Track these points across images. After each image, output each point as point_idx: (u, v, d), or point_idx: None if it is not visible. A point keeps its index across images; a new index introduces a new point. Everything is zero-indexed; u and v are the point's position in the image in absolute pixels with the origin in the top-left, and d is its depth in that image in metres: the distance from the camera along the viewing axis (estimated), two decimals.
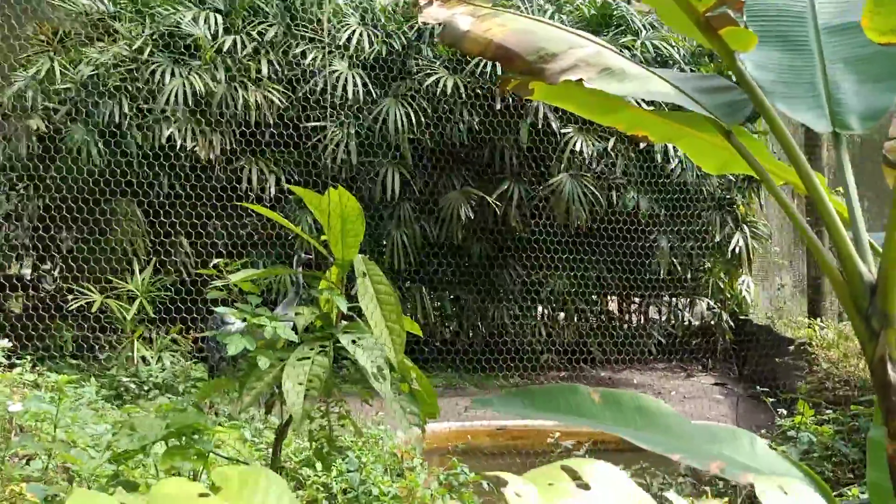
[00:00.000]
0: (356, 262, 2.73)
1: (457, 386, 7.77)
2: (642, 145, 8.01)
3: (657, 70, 1.96)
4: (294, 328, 2.76)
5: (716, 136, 2.22)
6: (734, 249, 8.29)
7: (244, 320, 2.48)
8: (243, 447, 2.21)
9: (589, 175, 7.98)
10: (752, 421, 6.20)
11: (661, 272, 8.21)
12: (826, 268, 1.68)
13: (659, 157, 8.08)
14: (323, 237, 2.92)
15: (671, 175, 8.22)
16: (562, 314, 8.41)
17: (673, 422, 1.79)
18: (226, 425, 3.67)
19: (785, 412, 4.80)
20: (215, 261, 2.94)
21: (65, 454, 2.48)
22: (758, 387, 5.84)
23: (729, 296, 8.74)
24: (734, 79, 2.04)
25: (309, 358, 2.54)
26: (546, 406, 1.79)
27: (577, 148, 7.83)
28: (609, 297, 9.02)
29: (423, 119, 7.84)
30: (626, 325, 8.94)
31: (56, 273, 8.97)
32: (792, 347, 6.73)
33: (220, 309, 2.63)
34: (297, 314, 2.60)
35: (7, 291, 8.61)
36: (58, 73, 8.09)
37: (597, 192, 7.93)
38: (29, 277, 9.23)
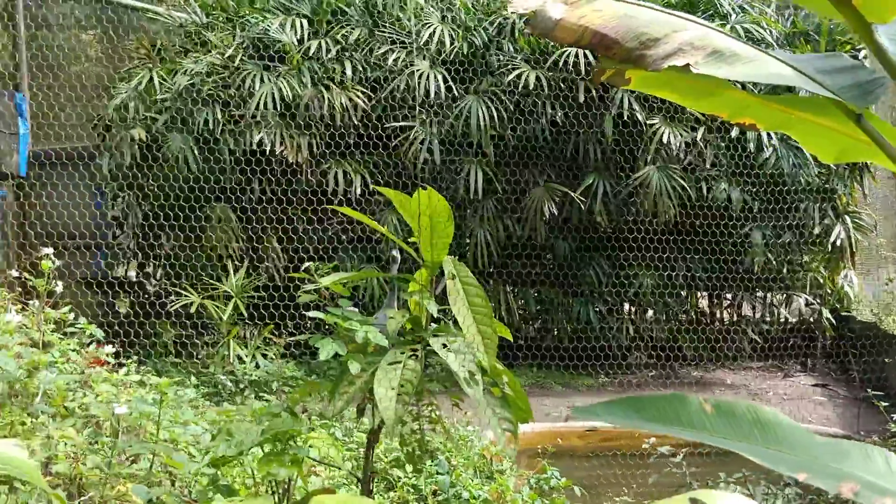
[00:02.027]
0: (446, 264, 2.72)
1: (543, 385, 7.69)
2: (734, 133, 7.71)
3: (772, 51, 1.86)
4: (385, 332, 2.77)
5: (836, 121, 2.09)
6: (835, 242, 7.87)
7: (335, 324, 2.51)
8: (336, 452, 2.23)
9: (677, 167, 7.74)
10: (862, 426, 5.89)
11: (756, 267, 7.88)
12: None
13: (752, 146, 7.76)
14: (411, 238, 2.93)
15: (765, 165, 7.88)
16: (650, 312, 8.19)
17: (794, 436, 1.68)
18: (318, 427, 3.75)
19: None
20: (306, 264, 2.99)
21: (168, 458, 2.56)
22: (869, 390, 5.52)
23: (830, 291, 8.31)
24: (864, 55, 1.93)
25: (400, 362, 2.54)
26: (654, 416, 1.72)
27: (665, 139, 7.61)
28: (699, 294, 8.73)
29: (505, 115, 7.80)
30: (717, 323, 8.63)
31: (158, 275, 9.40)
32: None
33: (311, 313, 2.66)
34: (389, 318, 2.61)
35: (114, 292, 9.07)
36: (156, 84, 8.48)
37: (686, 185, 7.69)
38: (134, 279, 9.70)
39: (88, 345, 5.30)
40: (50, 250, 3.59)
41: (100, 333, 5.11)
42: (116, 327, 9.05)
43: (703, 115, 7.89)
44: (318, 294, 2.80)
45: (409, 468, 4.29)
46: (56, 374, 3.22)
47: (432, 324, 2.92)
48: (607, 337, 8.02)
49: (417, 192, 2.59)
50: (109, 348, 5.05)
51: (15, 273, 4.28)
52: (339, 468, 3.04)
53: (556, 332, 8.13)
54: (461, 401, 3.15)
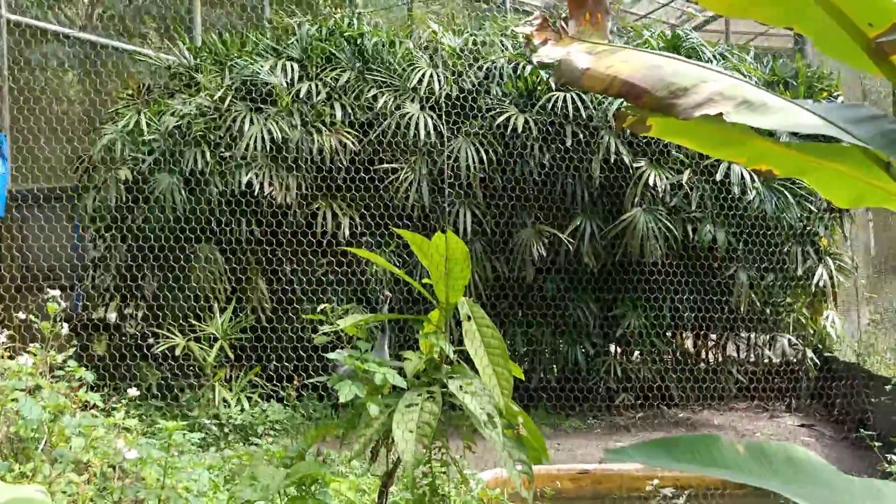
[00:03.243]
0: (461, 305, 2.74)
1: None
2: (718, 176, 7.88)
3: (799, 101, 1.93)
4: (402, 373, 2.77)
5: (853, 168, 2.17)
6: (818, 283, 8.02)
7: (358, 367, 2.50)
8: (354, 495, 2.20)
9: (663, 209, 7.88)
10: (851, 468, 5.93)
11: (741, 308, 7.98)
12: None
13: (736, 189, 7.93)
14: (425, 280, 2.94)
15: (749, 207, 8.05)
16: (637, 352, 8.23)
17: (827, 475, 1.71)
18: (337, 473, 3.69)
19: (895, 458, 4.54)
20: (322, 306, 3.00)
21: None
22: (861, 430, 5.57)
23: (812, 332, 8.44)
24: (840, 100, 1.99)
25: (417, 404, 2.54)
26: (688, 457, 1.73)
27: (651, 181, 7.76)
28: (685, 335, 8.81)
29: (494, 157, 7.91)
30: (703, 363, 8.70)
31: (139, 316, 9.26)
32: (889, 387, 6.43)
33: (331, 354, 2.65)
34: (405, 359, 2.61)
35: (89, 334, 8.90)
36: (144, 125, 8.47)
37: (671, 227, 7.81)
38: (114, 321, 9.55)
39: (79, 388, 5.20)
40: (57, 292, 3.53)
41: (89, 376, 5.02)
42: (93, 369, 8.83)
43: (688, 157, 8.07)
44: (333, 334, 2.80)
45: None
46: (75, 422, 3.14)
47: (446, 365, 2.92)
48: (595, 378, 8.04)
49: (436, 235, 2.61)
50: (96, 395, 4.96)
51: (22, 315, 4.19)
52: None
53: (543, 373, 8.13)
54: (474, 443, 3.14)
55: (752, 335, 8.63)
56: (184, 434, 4.48)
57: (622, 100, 2.08)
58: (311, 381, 3.18)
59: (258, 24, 10.90)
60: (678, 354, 8.64)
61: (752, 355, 8.60)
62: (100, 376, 8.20)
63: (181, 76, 8.94)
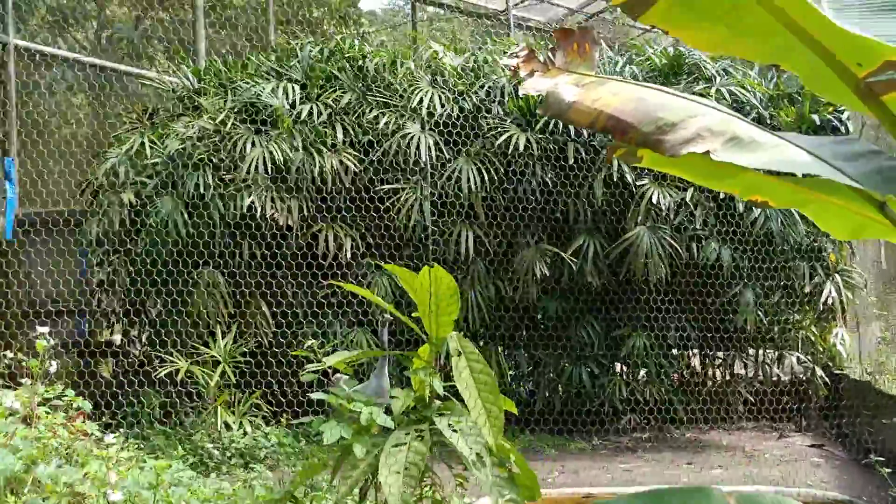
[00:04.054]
0: (450, 341, 2.68)
1: (535, 448, 7.56)
2: (722, 194, 7.80)
3: (789, 135, 1.87)
4: (388, 411, 2.71)
5: (850, 202, 2.11)
6: (825, 300, 7.92)
7: (339, 405, 2.45)
8: None
9: (667, 227, 7.81)
10: (862, 491, 5.80)
11: (748, 326, 7.88)
12: None
13: (741, 207, 7.86)
14: (414, 314, 2.88)
15: (754, 225, 7.97)
16: (643, 372, 8.14)
17: None
18: None
19: None
20: (309, 342, 2.95)
21: None
22: (871, 455, 5.46)
23: (821, 349, 8.32)
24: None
25: (405, 444, 2.48)
26: None
27: (654, 199, 7.69)
28: (691, 353, 8.70)
29: (495, 177, 7.87)
30: (710, 383, 8.59)
31: (144, 339, 9.25)
32: None
33: (314, 395, 2.60)
34: (392, 397, 2.56)
35: (96, 358, 8.89)
36: (147, 148, 8.48)
37: (676, 245, 7.74)
38: (118, 343, 9.55)
39: (76, 416, 5.16)
40: (46, 329, 3.50)
41: (87, 406, 4.99)
42: (98, 396, 8.85)
43: None
44: (320, 371, 2.75)
45: None
46: (55, 467, 3.09)
47: (437, 401, 2.86)
48: (600, 399, 7.95)
49: (423, 270, 2.56)
50: (94, 425, 4.93)
51: (10, 354, 4.16)
52: None
53: (547, 394, 8.04)
54: (466, 480, 3.07)
55: (760, 353, 8.52)
56: (173, 465, 4.44)
57: None
58: (298, 421, 3.11)
59: (263, 46, 10.95)
60: (685, 374, 8.54)
61: (760, 374, 8.48)
62: (106, 401, 8.21)
63: (185, 99, 8.96)
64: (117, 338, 9.75)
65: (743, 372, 8.65)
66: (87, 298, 9.32)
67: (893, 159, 1.71)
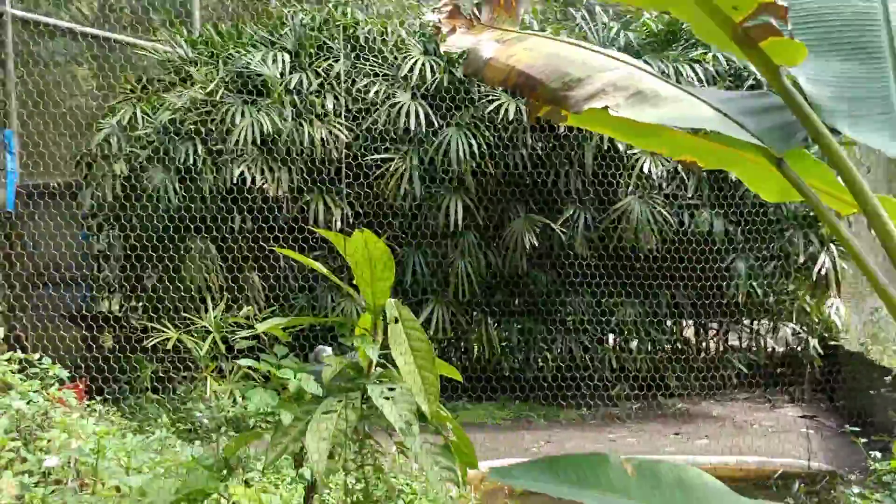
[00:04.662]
0: (388, 308, 2.64)
1: (525, 419, 7.57)
2: None
3: (701, 91, 1.80)
4: (319, 379, 2.68)
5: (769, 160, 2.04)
6: (820, 271, 7.80)
7: (268, 372, 2.44)
8: None
9: (659, 197, 7.70)
10: (846, 462, 5.76)
11: (739, 297, 7.79)
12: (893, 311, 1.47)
13: (733, 176, 7.72)
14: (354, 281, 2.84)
15: (747, 194, 7.84)
16: (634, 343, 8.09)
17: (720, 499, 1.60)
18: (256, 481, 3.64)
19: (879, 454, 4.38)
20: (245, 309, 2.93)
21: None
22: (847, 424, 5.41)
23: (817, 320, 8.22)
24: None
25: (335, 411, 2.45)
26: (572, 478, 1.63)
27: (646, 169, 7.58)
28: (685, 324, 8.63)
29: (485, 147, 7.78)
30: (703, 354, 8.53)
31: (141, 310, 9.33)
32: (889, 378, 6.23)
33: (242, 361, 2.59)
34: (325, 364, 2.53)
35: (98, 326, 8.99)
36: (140, 119, 8.47)
37: (667, 215, 7.63)
38: (118, 314, 9.64)
39: (61, 383, 5.22)
40: None
41: (64, 373, 5.03)
42: (101, 362, 8.98)
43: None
44: (258, 338, 2.75)
45: None
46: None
47: (379, 368, 2.84)
48: (590, 368, 7.92)
49: (355, 234, 2.52)
50: (71, 393, 4.97)
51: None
52: None
53: (538, 364, 8.02)
54: (409, 448, 3.05)
55: (755, 324, 8.44)
56: (157, 433, 4.47)
57: None
58: (223, 388, 3.11)
59: (260, 14, 10.86)
60: (677, 344, 8.48)
61: (753, 344, 8.41)
62: (109, 368, 8.33)
63: (179, 69, 8.91)
64: (116, 307, 9.84)
65: (737, 343, 8.58)
66: (89, 265, 9.41)
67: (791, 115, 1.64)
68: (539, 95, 1.84)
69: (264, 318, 2.64)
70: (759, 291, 7.93)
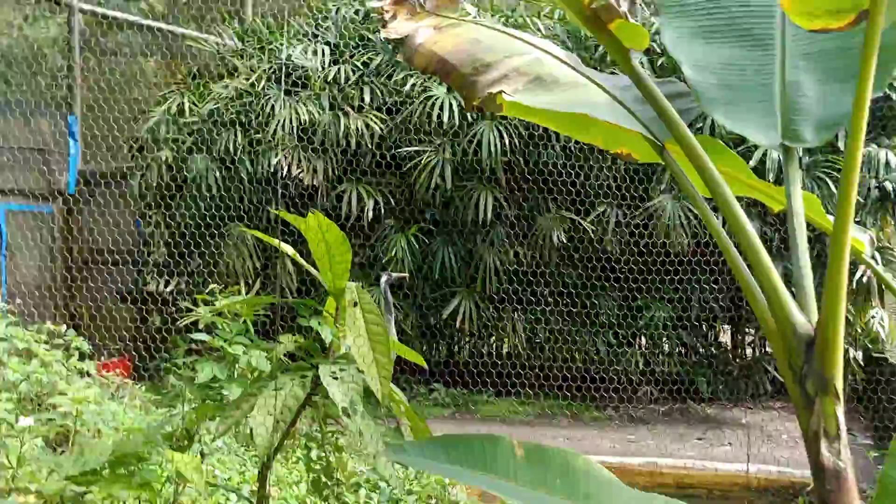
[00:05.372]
0: (348, 291, 2.68)
1: (548, 415, 7.53)
2: (752, 162, 7.42)
3: (606, 77, 1.77)
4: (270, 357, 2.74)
5: (711, 154, 1.99)
6: (861, 278, 7.47)
7: (220, 349, 2.52)
8: (198, 477, 2.20)
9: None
10: (867, 479, 5.51)
11: None
12: (760, 314, 1.42)
13: (771, 176, 7.47)
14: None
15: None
16: (665, 344, 7.92)
17: (604, 489, 1.58)
18: (220, 455, 3.74)
19: None
20: (211, 286, 3.02)
21: (30, 473, 2.58)
22: (882, 439, 5.17)
23: (860, 331, 7.88)
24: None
25: (285, 388, 2.51)
26: (462, 459, 1.64)
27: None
28: (721, 328, 8.41)
29: (517, 142, 7.75)
30: (737, 360, 8.29)
31: (185, 291, 9.68)
32: None
33: (196, 335, 2.68)
34: (278, 343, 2.59)
35: (147, 307, 9.38)
36: (187, 108, 8.79)
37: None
38: (165, 295, 10.03)
39: (84, 357, 5.47)
40: None
41: (85, 346, 5.28)
42: (147, 341, 9.38)
43: (723, 141, 7.65)
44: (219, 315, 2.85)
45: (360, 494, 4.25)
46: None
47: (343, 350, 2.88)
48: (616, 369, 7.80)
49: (310, 216, 2.57)
50: (92, 364, 5.21)
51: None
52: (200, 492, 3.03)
53: (563, 362, 7.94)
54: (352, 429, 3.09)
55: None
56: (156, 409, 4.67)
57: None
58: (170, 362, 3.21)
59: (307, 6, 11.08)
60: (711, 349, 8.26)
61: None
62: (155, 347, 8.72)
63: (226, 61, 9.19)
64: (163, 289, 10.23)
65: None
66: (140, 249, 9.82)
67: (692, 100, 1.59)
68: (453, 81, 1.85)
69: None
70: None
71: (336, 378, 2.56)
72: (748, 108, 1.49)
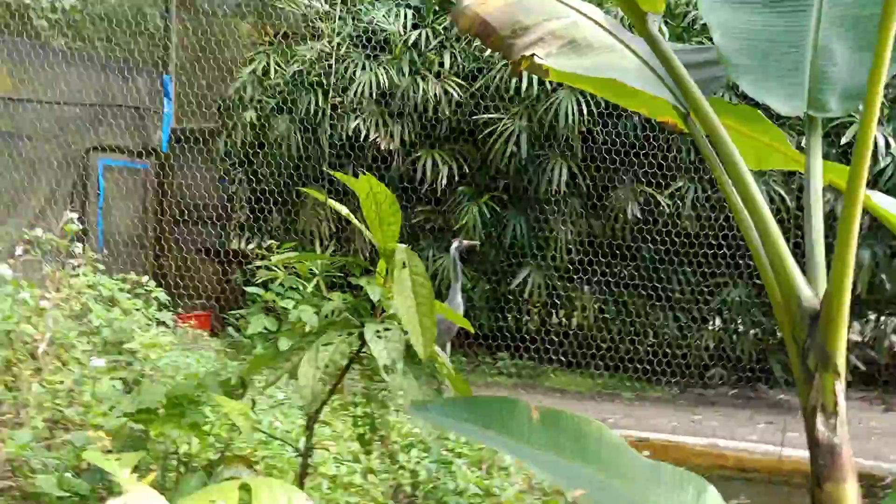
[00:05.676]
0: (398, 253, 2.72)
1: (613, 391, 7.45)
2: (844, 140, 7.01)
3: (636, 41, 1.72)
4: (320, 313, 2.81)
5: (745, 125, 1.92)
6: None
7: (273, 302, 2.61)
8: (245, 423, 2.31)
9: (777, 174, 7.19)
10: None
11: (860, 288, 7.15)
12: (768, 285, 1.38)
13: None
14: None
15: (882, 174, 7.13)
16: (740, 325, 7.67)
17: (615, 454, 1.59)
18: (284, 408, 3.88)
19: None
20: (269, 242, 3.12)
21: (99, 412, 2.75)
22: None
23: None
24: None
25: (333, 344, 2.58)
26: (479, 419, 1.67)
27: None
28: None
29: (595, 111, 7.58)
30: None
31: (265, 250, 10.01)
32: None
33: (249, 288, 2.78)
34: (327, 300, 2.66)
35: (229, 263, 9.78)
36: (272, 69, 9.00)
37: (785, 194, 7.12)
38: (248, 251, 10.40)
39: (162, 307, 5.77)
40: (74, 215, 3.95)
41: (163, 296, 5.56)
42: (229, 295, 9.80)
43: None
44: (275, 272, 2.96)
45: (411, 454, 4.34)
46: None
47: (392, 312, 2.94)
48: (686, 348, 7.62)
49: (361, 177, 2.61)
50: (168, 315, 5.49)
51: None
52: (284, 442, 3.16)
53: (632, 338, 7.81)
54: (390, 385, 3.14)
55: (880, 319, 7.74)
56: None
57: None
58: (229, 313, 3.33)
59: None
60: None
61: (874, 341, 7.72)
62: (236, 302, 9.09)
63: (311, 23, 9.33)
64: (244, 247, 10.61)
65: (858, 338, 7.91)
66: (225, 206, 10.20)
67: (721, 69, 1.52)
68: (493, 43, 1.84)
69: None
70: (888, 283, 7.24)
71: (381, 337, 2.62)
72: (776, 75, 1.43)
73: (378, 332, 2.66)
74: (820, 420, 1.23)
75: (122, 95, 10.25)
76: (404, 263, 2.76)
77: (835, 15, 1.43)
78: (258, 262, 2.98)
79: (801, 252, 1.52)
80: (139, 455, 1.97)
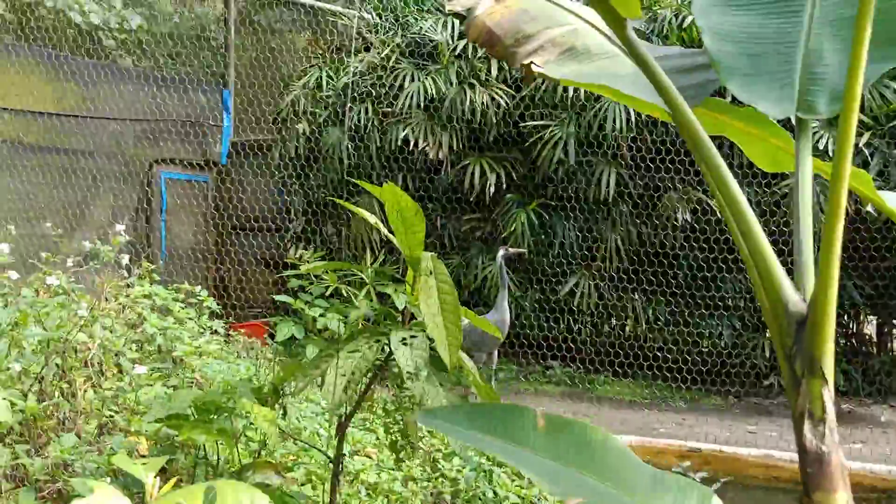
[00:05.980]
0: (424, 260, 2.76)
1: (665, 400, 7.32)
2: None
3: (644, 48, 1.71)
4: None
5: (763, 130, 1.90)
6: None
7: (301, 310, 2.67)
8: (272, 429, 2.37)
9: (763, 176, 6.95)
10: None
11: None
12: (756, 291, 1.35)
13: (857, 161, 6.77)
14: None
15: None
16: None
17: (619, 463, 1.59)
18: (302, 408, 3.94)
19: None
20: (300, 252, 3.19)
21: (136, 419, 2.87)
22: None
23: None
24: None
25: (360, 351, 2.63)
26: (484, 426, 1.69)
27: (821, 146, 6.86)
28: (865, 319, 7.76)
29: (643, 116, 7.48)
30: (882, 354, 7.62)
31: (319, 259, 10.20)
32: None
33: (278, 297, 2.85)
34: (354, 308, 2.71)
35: (274, 270, 10.01)
36: (324, 82, 9.21)
37: (770, 198, 6.87)
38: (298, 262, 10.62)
39: (214, 315, 5.96)
40: (122, 227, 4.11)
41: (214, 305, 5.73)
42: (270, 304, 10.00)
43: (872, 118, 7.01)
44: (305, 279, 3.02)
45: (453, 462, 4.36)
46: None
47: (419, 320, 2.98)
48: (741, 356, 7.42)
49: (385, 186, 2.66)
50: (220, 322, 5.65)
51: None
52: (310, 445, 3.22)
53: (685, 346, 7.65)
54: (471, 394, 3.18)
55: None
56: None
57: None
58: (260, 321, 3.40)
59: None
60: (852, 340, 7.66)
61: None
62: (286, 311, 9.28)
63: (363, 36, 9.51)
64: (300, 256, 10.82)
65: None
66: (282, 218, 10.47)
67: (712, 73, 1.50)
68: (497, 52, 1.87)
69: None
70: None
71: (406, 344, 2.66)
72: (766, 77, 1.41)
73: (404, 339, 2.71)
74: (808, 427, 1.20)
75: (184, 110, 10.63)
76: (430, 271, 2.80)
77: (827, 17, 1.41)
78: (287, 272, 3.05)
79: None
80: (163, 459, 2.05)
